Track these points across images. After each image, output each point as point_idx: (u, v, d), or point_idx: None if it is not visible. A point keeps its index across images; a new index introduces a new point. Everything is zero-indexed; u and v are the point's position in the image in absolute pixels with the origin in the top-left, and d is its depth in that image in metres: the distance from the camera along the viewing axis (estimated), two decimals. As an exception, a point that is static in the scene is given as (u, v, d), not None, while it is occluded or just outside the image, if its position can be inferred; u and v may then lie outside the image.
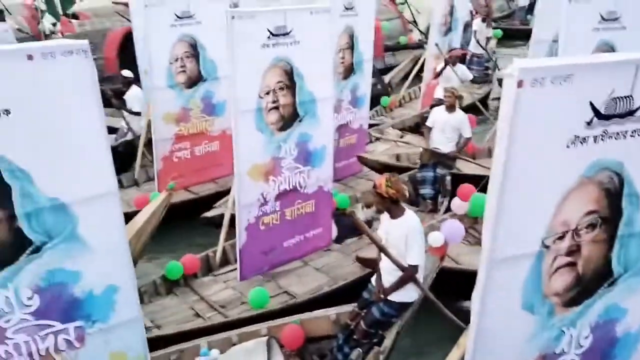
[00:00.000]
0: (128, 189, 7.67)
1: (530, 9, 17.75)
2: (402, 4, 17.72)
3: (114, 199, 3.29)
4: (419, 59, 11.27)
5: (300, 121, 5.48)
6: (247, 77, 5.00)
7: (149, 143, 7.68)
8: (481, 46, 11.96)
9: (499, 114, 2.49)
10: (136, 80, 8.41)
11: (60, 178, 3.08)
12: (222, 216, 6.63)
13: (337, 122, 7.51)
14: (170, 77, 7.10)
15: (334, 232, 6.24)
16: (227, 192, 6.36)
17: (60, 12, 15.05)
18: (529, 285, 2.75)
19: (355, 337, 4.30)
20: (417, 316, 4.31)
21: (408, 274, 3.98)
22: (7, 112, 2.87)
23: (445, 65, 8.88)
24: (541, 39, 7.59)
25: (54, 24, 14.50)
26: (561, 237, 2.69)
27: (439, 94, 8.60)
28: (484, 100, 11.26)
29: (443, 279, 4.51)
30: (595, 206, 2.68)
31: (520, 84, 2.29)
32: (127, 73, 8.16)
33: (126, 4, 10.63)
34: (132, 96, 8.03)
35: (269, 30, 4.98)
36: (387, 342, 4.14)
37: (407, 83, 11.22)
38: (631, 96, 2.46)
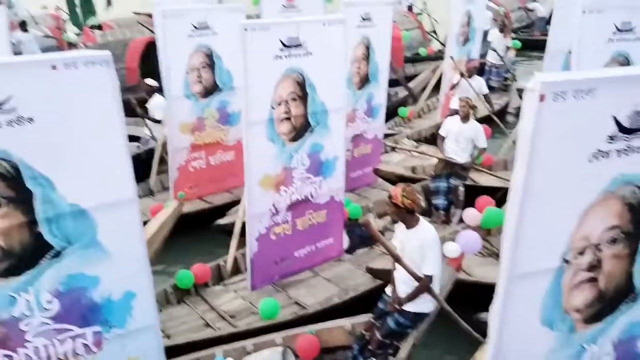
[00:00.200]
0: (143, 199, 7.74)
1: (550, 19, 17.70)
2: (420, 14, 17.81)
3: (133, 205, 3.33)
4: (438, 69, 11.27)
5: (312, 131, 5.49)
6: (259, 88, 5.03)
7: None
8: (500, 56, 11.89)
9: (518, 126, 2.48)
10: (159, 89, 8.51)
11: (81, 184, 3.13)
12: (234, 223, 6.70)
13: (352, 132, 7.52)
14: (186, 87, 7.15)
15: (346, 242, 6.24)
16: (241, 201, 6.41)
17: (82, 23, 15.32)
18: (548, 300, 2.72)
19: (370, 347, 4.29)
20: (433, 328, 4.29)
21: (423, 284, 3.97)
22: (31, 120, 2.94)
23: (461, 77, 8.88)
24: (556, 50, 7.58)
25: (78, 34, 14.79)
26: (582, 252, 2.66)
27: (454, 104, 8.59)
28: (503, 110, 11.23)
29: (457, 291, 4.50)
30: (618, 221, 2.65)
31: (541, 97, 2.27)
32: (150, 82, 8.25)
33: (149, 15, 10.77)
34: (155, 105, 8.12)
35: (281, 42, 5.02)
36: (403, 353, 4.13)
37: (425, 94, 11.21)
38: (655, 109, 2.43)
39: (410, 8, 18.90)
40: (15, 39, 11.65)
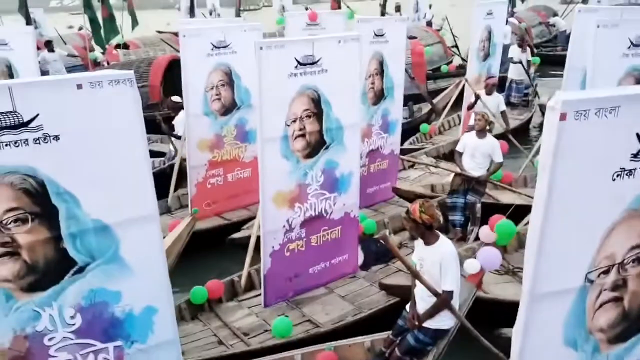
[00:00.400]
0: (161, 216, 7.78)
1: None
2: (439, 29, 17.90)
3: (155, 221, 3.38)
4: (459, 84, 11.27)
5: (327, 148, 5.51)
6: (274, 106, 5.06)
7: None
8: (525, 71, 11.79)
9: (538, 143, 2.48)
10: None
11: (104, 201, 3.19)
12: (249, 237, 6.70)
13: (368, 147, 7.53)
14: (205, 104, 7.26)
15: (360, 258, 6.20)
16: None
17: (105, 42, 15.68)
18: (572, 320, 2.70)
19: (389, 364, 4.27)
20: (453, 345, 4.25)
21: (442, 301, 3.94)
22: (57, 137, 3.02)
23: (476, 100, 8.83)
24: (575, 67, 7.55)
25: (103, 53, 15.14)
26: (606, 272, 2.64)
27: (472, 122, 8.56)
28: (524, 127, 11.13)
29: (474, 309, 4.44)
30: (643, 240, 2.61)
31: (562, 116, 2.27)
32: (176, 98, 8.39)
33: (174, 33, 10.95)
34: (180, 121, 8.25)
35: (296, 60, 5.05)
36: (423, 371, 4.10)
37: (446, 110, 11.18)
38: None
39: (429, 24, 19.04)
40: (41, 58, 11.98)
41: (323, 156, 5.50)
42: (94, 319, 3.28)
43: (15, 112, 2.90)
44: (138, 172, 3.27)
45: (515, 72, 12.08)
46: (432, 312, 4.01)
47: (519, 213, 6.32)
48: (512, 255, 5.85)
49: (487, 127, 6.59)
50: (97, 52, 15.26)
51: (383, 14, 18.24)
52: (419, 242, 4.07)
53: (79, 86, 3.02)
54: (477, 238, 6.25)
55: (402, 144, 9.65)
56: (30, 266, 3.08)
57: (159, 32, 19.90)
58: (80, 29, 16.48)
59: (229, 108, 7.48)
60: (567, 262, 2.59)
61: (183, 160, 7.71)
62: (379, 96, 7.58)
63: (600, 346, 2.79)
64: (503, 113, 8.89)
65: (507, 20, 13.24)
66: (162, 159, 8.76)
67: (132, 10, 18.49)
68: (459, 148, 6.72)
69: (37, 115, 2.94)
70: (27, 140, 2.94)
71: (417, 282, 4.04)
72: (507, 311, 4.86)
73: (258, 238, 5.57)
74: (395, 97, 7.75)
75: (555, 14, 20.68)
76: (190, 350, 5.00)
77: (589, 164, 2.42)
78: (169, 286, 3.54)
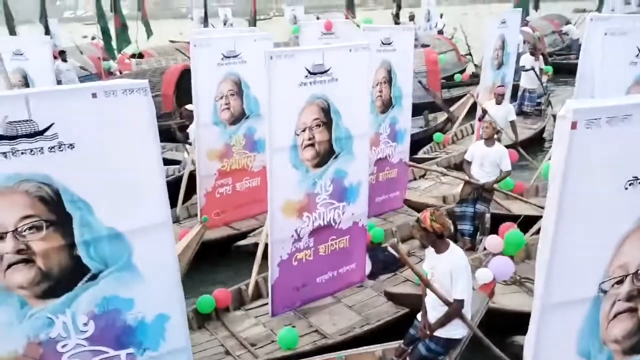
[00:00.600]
0: None
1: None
2: (451, 38, 17.93)
3: (168, 229, 3.40)
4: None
5: (336, 158, 5.50)
6: (283, 115, 5.06)
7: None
8: (538, 78, 11.72)
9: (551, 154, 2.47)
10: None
11: (118, 208, 3.22)
12: (255, 245, 6.60)
13: (376, 156, 7.52)
14: (215, 114, 7.31)
15: (368, 267, 6.18)
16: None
17: (116, 51, 15.88)
18: (585, 331, 2.68)
19: (401, 374, 4.25)
20: (465, 355, 4.23)
21: (454, 309, 3.94)
22: (72, 146, 3.05)
23: (484, 114, 8.79)
24: (586, 76, 7.51)
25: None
26: (620, 282, 2.62)
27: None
28: (538, 136, 11.07)
29: (482, 318, 4.43)
30: (657, 249, 2.58)
31: (573, 125, 2.26)
32: (190, 107, 8.45)
33: (188, 42, 11.06)
34: (193, 129, 8.30)
35: (306, 69, 5.06)
36: (434, 380, 4.08)
37: (459, 120, 11.13)
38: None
39: (440, 32, 19.12)
40: (55, 67, 12.12)
41: (332, 165, 5.51)
42: (107, 326, 3.30)
43: (31, 120, 2.93)
44: (151, 180, 3.30)
45: (527, 81, 11.97)
46: (444, 321, 4.00)
47: (529, 223, 6.31)
48: (520, 265, 5.83)
49: (496, 136, 6.59)
50: (111, 62, 15.44)
51: (397, 23, 18.31)
52: (429, 251, 4.08)
53: (94, 95, 3.06)
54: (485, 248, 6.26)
55: (416, 153, 9.69)
56: (45, 273, 3.11)
57: (172, 41, 20.15)
58: (93, 38, 16.71)
59: (238, 117, 7.53)
60: (580, 272, 2.57)
61: (192, 170, 7.75)
62: (387, 105, 7.58)
63: (614, 357, 2.77)
64: (512, 123, 8.85)
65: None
66: (177, 166, 8.80)
67: (146, 20, 18.78)
68: (467, 157, 6.72)
69: (53, 124, 2.98)
70: (42, 148, 2.98)
71: (428, 291, 4.03)
72: (514, 321, 4.87)
73: (266, 247, 5.57)
74: (403, 105, 7.76)
75: (568, 23, 20.66)
76: (197, 361, 5.00)
77: (601, 173, 2.41)
78: (181, 294, 3.56)
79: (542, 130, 11.49)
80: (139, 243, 3.28)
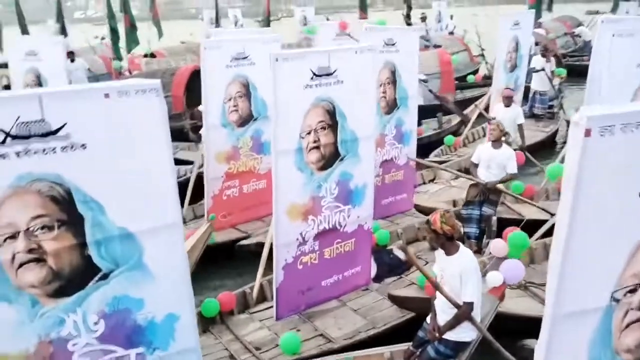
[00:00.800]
0: None
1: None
2: (462, 37, 17.87)
3: (178, 230, 3.41)
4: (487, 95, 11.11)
5: (341, 160, 5.48)
6: (288, 117, 5.04)
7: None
8: (550, 80, 11.58)
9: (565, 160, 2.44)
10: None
11: (129, 209, 3.23)
12: (258, 244, 6.64)
13: (381, 157, 7.50)
14: (223, 116, 7.33)
15: (373, 269, 6.16)
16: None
17: (126, 51, 15.99)
18: (597, 341, 2.66)
19: (409, 376, 4.24)
20: (475, 358, 4.21)
21: (463, 312, 3.93)
22: (84, 146, 3.07)
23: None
24: (597, 78, 7.46)
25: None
26: (633, 290, 2.60)
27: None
28: (551, 138, 10.98)
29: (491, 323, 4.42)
30: (672, 258, 2.56)
31: (587, 132, 2.25)
32: (202, 108, 8.48)
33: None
34: None
35: (312, 71, 5.04)
36: (443, 384, 4.06)
37: (470, 123, 11.00)
38: None
39: (451, 33, 19.10)
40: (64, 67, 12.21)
41: (337, 168, 5.49)
42: (117, 325, 3.30)
43: (44, 120, 2.95)
44: (163, 181, 3.30)
45: (538, 83, 11.78)
46: (453, 324, 3.99)
47: (535, 227, 6.28)
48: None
49: (503, 138, 6.57)
50: (124, 62, 15.58)
51: (408, 24, 18.30)
52: (439, 253, 4.07)
53: (107, 95, 3.07)
54: (490, 252, 6.22)
55: (427, 155, 9.66)
56: (56, 272, 3.12)
57: (183, 42, 20.30)
58: (103, 39, 16.85)
59: (245, 119, 7.55)
60: (592, 281, 2.55)
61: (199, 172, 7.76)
62: (392, 106, 7.55)
63: (627, 368, 2.73)
64: (520, 127, 8.74)
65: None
66: (190, 167, 8.82)
67: (157, 21, 18.94)
68: (474, 159, 6.70)
69: (65, 123, 2.99)
70: (55, 148, 2.99)
71: (437, 293, 4.03)
72: (519, 325, 4.85)
73: (270, 249, 5.56)
74: (409, 107, 7.72)
75: (580, 24, 20.54)
76: (201, 365, 4.99)
77: (615, 181, 2.38)
78: (191, 294, 3.56)
79: (555, 134, 11.31)
80: (149, 243, 3.29)
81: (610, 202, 2.42)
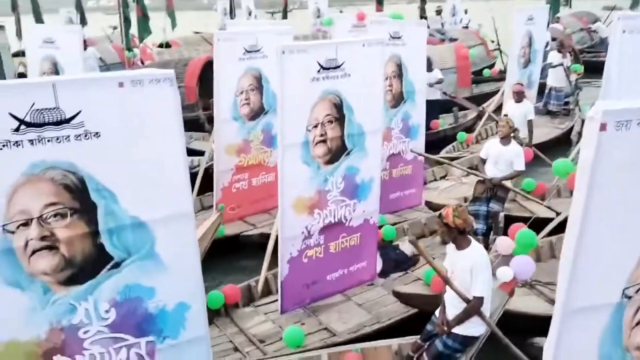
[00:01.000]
0: None
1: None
2: (477, 31, 17.73)
3: (190, 219, 3.43)
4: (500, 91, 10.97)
5: (348, 154, 5.44)
6: (295, 110, 4.98)
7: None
8: (567, 76, 11.38)
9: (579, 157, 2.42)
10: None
11: (142, 198, 3.25)
12: (261, 235, 6.64)
13: (388, 151, 7.44)
14: (235, 109, 7.31)
15: (379, 265, 6.14)
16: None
17: (138, 41, 16.07)
18: (607, 337, 2.64)
19: (417, 370, 4.24)
20: (482, 353, 4.20)
21: (473, 307, 3.92)
22: (98, 134, 3.08)
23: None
24: (612, 75, 7.38)
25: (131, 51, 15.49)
26: None
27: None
28: (566, 135, 10.79)
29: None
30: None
31: (603, 127, 2.23)
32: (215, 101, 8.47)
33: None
34: None
35: (319, 64, 5.00)
36: (452, 378, 4.06)
37: (483, 119, 10.80)
38: None
39: (466, 27, 18.97)
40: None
41: (344, 162, 5.45)
42: (128, 313, 3.32)
43: (58, 108, 2.96)
44: (175, 170, 3.31)
45: (554, 79, 11.54)
46: (462, 318, 3.98)
47: (542, 225, 6.22)
48: None
49: (512, 134, 6.52)
50: (135, 50, 15.63)
51: (423, 17, 18.17)
52: (450, 247, 4.06)
53: (121, 84, 3.08)
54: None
55: (441, 150, 9.63)
56: (68, 260, 3.15)
57: (197, 32, 20.38)
58: (115, 28, 16.93)
59: (257, 113, 7.52)
60: (604, 277, 2.53)
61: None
62: (398, 99, 7.48)
63: (637, 365, 2.72)
64: (530, 123, 8.59)
65: (548, 25, 12.78)
66: (202, 157, 8.84)
67: (172, 12, 19.04)
68: (482, 155, 6.65)
69: (79, 112, 3.01)
70: (68, 136, 3.01)
71: (447, 287, 4.02)
72: (526, 324, 4.82)
73: (276, 243, 5.54)
74: (416, 101, 7.64)
75: (597, 20, 20.31)
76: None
77: (630, 176, 2.36)
78: (202, 283, 3.58)
79: (569, 131, 11.00)
80: (161, 232, 3.30)
81: (624, 198, 2.40)
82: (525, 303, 5.22)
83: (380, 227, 6.32)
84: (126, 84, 3.09)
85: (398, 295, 5.32)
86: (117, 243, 3.22)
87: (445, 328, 4.05)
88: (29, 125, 2.91)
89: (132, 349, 3.38)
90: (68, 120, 3.00)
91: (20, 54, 13.48)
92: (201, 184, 7.76)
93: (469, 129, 10.92)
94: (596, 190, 2.33)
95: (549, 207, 6.80)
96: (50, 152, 2.98)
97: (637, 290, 2.57)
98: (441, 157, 8.86)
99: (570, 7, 22.99)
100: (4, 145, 2.86)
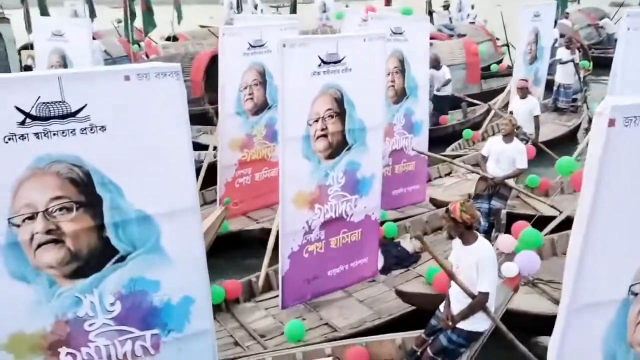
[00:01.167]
0: None
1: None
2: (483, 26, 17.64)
3: (195, 213, 3.43)
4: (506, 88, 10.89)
5: (349, 149, 5.43)
6: (296, 104, 4.96)
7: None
8: (577, 72, 11.32)
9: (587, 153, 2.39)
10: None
11: (147, 191, 3.25)
12: (262, 230, 6.63)
13: (390, 147, 7.42)
14: (239, 104, 7.29)
15: (380, 262, 6.13)
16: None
17: (143, 34, 16.07)
18: (612, 334, 2.64)
19: (421, 364, 4.24)
20: (486, 350, 4.20)
21: (478, 302, 3.91)
22: (103, 128, 3.08)
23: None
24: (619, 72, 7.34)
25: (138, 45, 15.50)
26: None
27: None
28: (574, 132, 10.77)
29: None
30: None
31: (611, 122, 2.22)
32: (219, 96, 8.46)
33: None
34: None
35: (320, 58, 4.98)
36: (456, 373, 4.06)
37: (489, 116, 10.71)
38: None
39: (472, 23, 18.88)
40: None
41: (345, 157, 5.43)
42: (133, 307, 3.34)
43: (64, 102, 2.96)
44: (181, 164, 3.32)
45: (563, 76, 11.45)
46: (467, 313, 3.98)
47: (546, 222, 6.20)
48: None
49: (516, 132, 6.50)
50: (140, 43, 15.64)
51: (430, 12, 18.05)
52: (456, 242, 4.05)
53: (127, 78, 3.08)
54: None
55: (448, 145, 9.58)
56: (74, 253, 3.16)
57: (202, 26, 20.36)
58: (120, 22, 16.90)
59: (260, 108, 7.50)
60: (610, 273, 2.53)
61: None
62: (401, 95, 7.43)
63: (641, 362, 2.72)
64: (536, 119, 8.54)
65: (556, 22, 12.69)
66: (214, 152, 8.85)
67: (178, 5, 19.04)
68: (484, 152, 6.62)
69: (85, 105, 3.01)
70: (74, 130, 3.01)
71: (452, 282, 4.02)
72: (527, 323, 4.80)
73: (277, 239, 5.53)
74: (419, 97, 7.59)
75: (603, 17, 20.19)
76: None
77: (638, 172, 2.35)
78: (207, 277, 3.59)
79: (576, 129, 11.00)
80: (167, 226, 3.31)
81: (632, 194, 2.39)
82: (527, 301, 5.18)
83: (382, 223, 6.31)
84: (132, 78, 3.09)
85: (401, 294, 5.30)
86: (123, 237, 3.23)
87: (450, 323, 4.05)
88: (34, 118, 2.91)
89: (137, 341, 3.40)
90: (74, 114, 3.00)
91: (29, 46, 13.45)
92: (204, 178, 7.79)
93: (478, 125, 10.84)
94: (604, 186, 2.33)
95: (552, 206, 6.76)
96: (56, 145, 2.98)
97: None
98: (443, 155, 8.83)
99: (578, 3, 22.85)
100: (9, 139, 2.87)
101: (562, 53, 11.46)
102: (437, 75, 10.71)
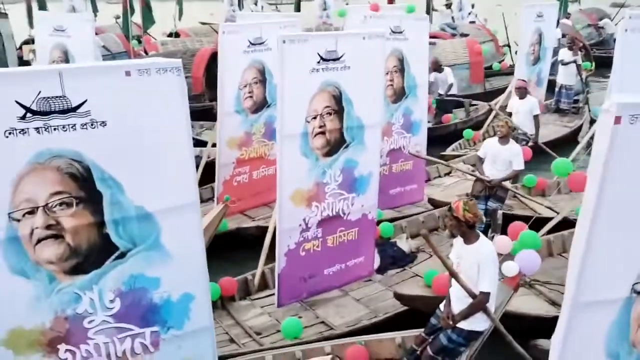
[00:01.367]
0: None
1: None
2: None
3: (195, 210, 3.42)
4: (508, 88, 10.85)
5: (347, 147, 5.42)
6: (294, 101, 4.96)
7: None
8: (579, 73, 11.27)
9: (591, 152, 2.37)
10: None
11: (147, 188, 3.24)
12: (258, 228, 6.62)
13: (388, 146, 7.40)
14: (238, 102, 7.26)
15: (377, 261, 6.12)
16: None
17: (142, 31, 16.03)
18: (614, 332, 2.64)
19: (420, 362, 4.23)
20: (485, 349, 4.20)
21: (479, 302, 3.91)
22: (104, 123, 3.07)
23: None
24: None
25: (139, 41, 15.47)
26: None
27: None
28: (575, 133, 10.72)
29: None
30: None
31: (617, 120, 2.22)
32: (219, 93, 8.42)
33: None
34: None
35: (319, 55, 4.97)
36: (455, 373, 4.06)
37: (491, 116, 10.64)
38: None
39: (472, 23, 18.87)
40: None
41: (342, 155, 5.42)
42: (133, 304, 3.32)
43: (65, 96, 2.95)
44: (181, 161, 3.31)
45: (565, 77, 11.38)
46: (468, 313, 3.97)
47: (542, 223, 6.19)
48: None
49: (512, 133, 6.50)
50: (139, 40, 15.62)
51: (432, 10, 17.99)
52: (458, 241, 4.05)
53: (128, 73, 3.07)
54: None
55: (450, 144, 9.57)
56: (74, 249, 3.14)
57: (203, 23, 20.34)
58: (118, 17, 16.85)
59: (260, 106, 7.48)
60: (613, 272, 2.53)
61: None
62: (400, 94, 7.40)
63: (644, 361, 2.72)
64: (536, 118, 8.53)
65: (558, 22, 12.63)
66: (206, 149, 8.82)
67: (180, 1, 19.02)
68: (480, 154, 6.61)
69: (86, 100, 2.99)
70: (74, 125, 2.99)
71: (453, 281, 4.01)
72: (524, 324, 4.78)
73: (273, 237, 5.51)
74: (418, 96, 7.56)
75: (603, 17, 20.20)
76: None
77: None
78: (206, 274, 3.58)
79: (578, 130, 10.89)
80: (167, 223, 3.30)
81: (637, 192, 2.39)
82: (524, 303, 5.17)
83: (378, 222, 6.31)
84: (133, 73, 3.08)
85: (400, 297, 5.29)
86: (123, 233, 3.22)
87: (450, 322, 4.04)
88: (35, 113, 2.90)
89: (136, 339, 3.38)
90: (74, 109, 2.98)
91: (31, 41, 13.39)
92: (200, 176, 7.77)
93: (480, 124, 10.81)
94: (609, 184, 2.33)
95: (549, 208, 6.75)
96: (56, 140, 2.97)
97: None
98: (442, 155, 8.84)
99: (579, 3, 22.85)
100: (10, 133, 2.85)
101: (565, 54, 11.40)
102: (441, 78, 10.68)
